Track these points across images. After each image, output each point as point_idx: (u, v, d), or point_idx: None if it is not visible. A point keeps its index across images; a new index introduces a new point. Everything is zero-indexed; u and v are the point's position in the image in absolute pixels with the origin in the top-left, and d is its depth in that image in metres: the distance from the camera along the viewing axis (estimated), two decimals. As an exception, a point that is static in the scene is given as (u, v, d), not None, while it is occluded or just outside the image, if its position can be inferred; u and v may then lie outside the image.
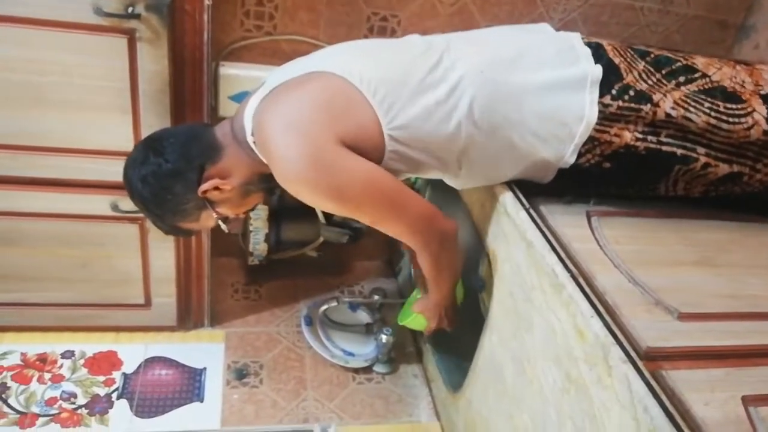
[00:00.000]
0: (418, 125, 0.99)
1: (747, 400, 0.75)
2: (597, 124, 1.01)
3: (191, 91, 1.25)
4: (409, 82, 0.98)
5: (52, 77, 1.18)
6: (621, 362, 0.76)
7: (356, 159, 0.96)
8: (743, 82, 1.08)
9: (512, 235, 1.05)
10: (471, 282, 1.28)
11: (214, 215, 1.10)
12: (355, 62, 1.00)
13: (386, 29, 1.55)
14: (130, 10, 1.12)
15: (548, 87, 1.01)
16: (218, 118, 1.49)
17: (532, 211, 1.05)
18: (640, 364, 0.76)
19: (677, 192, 1.11)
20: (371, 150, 0.98)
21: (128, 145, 1.26)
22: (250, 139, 1.03)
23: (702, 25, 1.69)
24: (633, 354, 0.78)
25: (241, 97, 1.48)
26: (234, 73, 1.47)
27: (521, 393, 1.02)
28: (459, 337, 1.42)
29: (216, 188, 1.06)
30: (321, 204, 1.00)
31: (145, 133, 1.25)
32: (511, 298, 1.06)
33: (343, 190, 0.96)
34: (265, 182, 1.06)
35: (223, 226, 1.13)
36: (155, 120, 1.25)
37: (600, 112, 1.01)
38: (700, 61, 1.09)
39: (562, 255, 0.95)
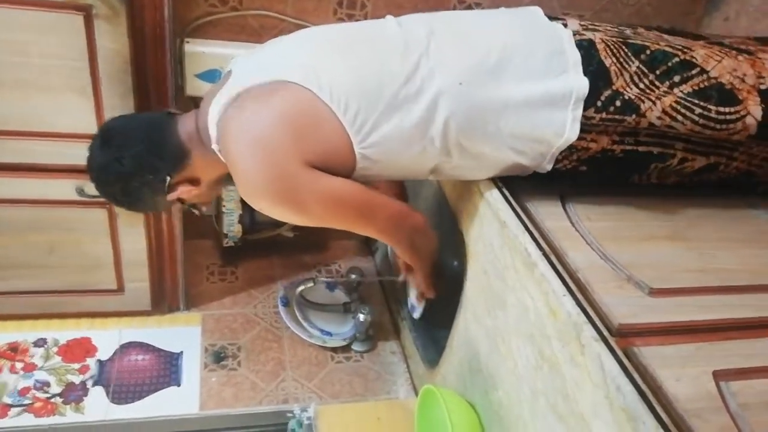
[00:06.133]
0: (390, 144, 0.96)
1: (718, 375, 0.76)
2: None
3: (154, 69, 1.21)
4: (382, 94, 0.94)
5: (5, 56, 1.13)
6: (593, 341, 0.76)
7: (320, 178, 0.94)
8: (744, 76, 1.01)
9: (485, 214, 1.05)
10: (445, 260, 1.28)
11: (186, 206, 1.14)
12: (326, 69, 0.95)
13: (356, 3, 1.51)
14: (84, -15, 1.08)
15: (529, 103, 0.96)
16: (185, 97, 1.45)
17: (505, 189, 1.05)
18: (612, 342, 0.76)
19: (651, 181, 1.09)
20: (340, 167, 0.96)
21: (91, 127, 1.23)
22: (215, 147, 1.00)
23: (673, -4, 1.69)
24: (605, 332, 0.78)
25: (208, 76, 1.45)
26: (200, 51, 1.43)
27: (496, 370, 1.03)
28: (435, 313, 1.43)
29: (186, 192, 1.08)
30: (284, 219, 1.01)
31: (108, 114, 1.22)
32: (485, 277, 1.06)
33: (307, 208, 0.96)
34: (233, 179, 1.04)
35: (195, 212, 1.17)
36: (118, 100, 1.21)
37: (581, 124, 0.97)
38: (699, 54, 1.02)
39: (535, 234, 0.95)
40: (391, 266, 1.71)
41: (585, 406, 0.76)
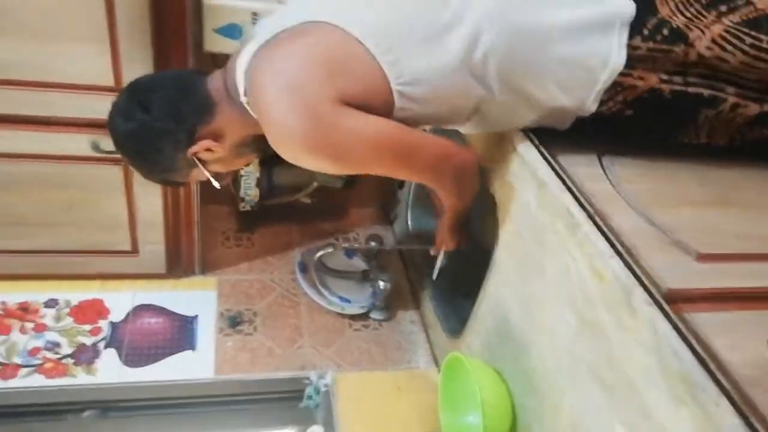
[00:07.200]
0: (429, 80, 0.91)
1: (773, 343, 0.72)
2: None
3: (173, 17, 1.15)
4: (416, 29, 0.89)
5: (18, 2, 1.07)
6: (645, 304, 0.71)
7: (358, 116, 0.89)
8: None
9: (521, 174, 1.00)
10: (471, 225, 1.23)
11: (206, 173, 1.06)
12: (354, 9, 0.92)
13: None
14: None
15: (573, 29, 0.92)
16: (204, 53, 1.40)
17: (542, 148, 1.00)
18: (666, 306, 0.72)
19: (700, 140, 1.04)
20: (378, 106, 0.91)
21: (108, 79, 1.18)
22: (243, 100, 0.95)
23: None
24: (657, 296, 0.73)
25: (227, 30, 1.39)
26: (219, 4, 1.36)
27: (528, 336, 0.98)
28: (458, 280, 1.39)
29: (208, 149, 1.01)
30: (322, 167, 0.94)
31: (125, 67, 1.17)
32: (519, 240, 1.01)
33: (345, 152, 0.90)
34: (260, 142, 0.99)
35: (215, 183, 1.09)
36: (136, 52, 1.15)
37: (628, 55, 0.93)
38: None
39: (577, 194, 0.90)
40: (407, 235, 1.68)
41: (635, 372, 0.72)
